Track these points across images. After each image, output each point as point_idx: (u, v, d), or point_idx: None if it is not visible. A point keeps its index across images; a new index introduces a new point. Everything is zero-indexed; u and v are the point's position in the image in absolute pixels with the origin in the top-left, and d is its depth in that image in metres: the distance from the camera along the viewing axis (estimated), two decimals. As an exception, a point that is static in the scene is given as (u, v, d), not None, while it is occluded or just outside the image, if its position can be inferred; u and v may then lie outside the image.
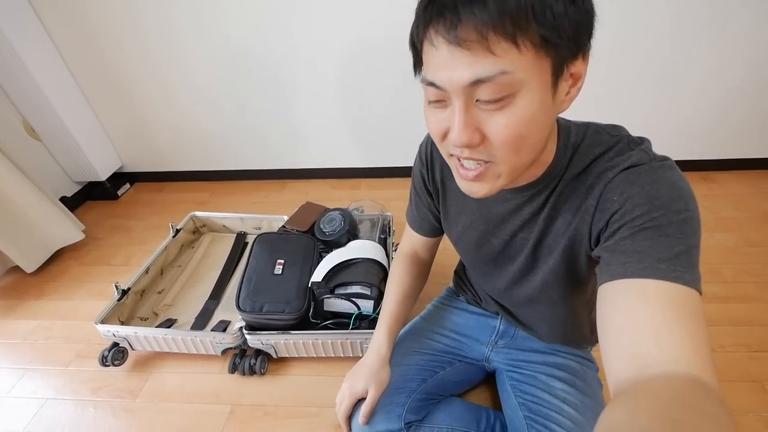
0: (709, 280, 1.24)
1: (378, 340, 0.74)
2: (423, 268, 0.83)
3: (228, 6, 1.41)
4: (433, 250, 0.83)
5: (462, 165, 0.46)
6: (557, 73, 0.39)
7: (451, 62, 0.38)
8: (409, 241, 0.82)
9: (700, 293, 0.39)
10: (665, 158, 0.46)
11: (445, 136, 0.44)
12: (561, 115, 0.50)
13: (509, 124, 0.39)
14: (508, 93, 0.38)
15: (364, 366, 0.72)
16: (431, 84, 0.41)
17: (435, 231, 0.77)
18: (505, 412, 0.77)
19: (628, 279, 0.40)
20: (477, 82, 0.37)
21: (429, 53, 0.40)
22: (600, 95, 1.54)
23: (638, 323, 0.37)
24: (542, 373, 0.74)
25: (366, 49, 1.48)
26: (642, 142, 0.48)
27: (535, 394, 0.72)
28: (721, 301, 1.17)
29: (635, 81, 1.50)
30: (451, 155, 0.46)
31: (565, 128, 0.51)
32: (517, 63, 0.36)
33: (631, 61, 1.46)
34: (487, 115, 0.40)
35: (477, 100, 0.39)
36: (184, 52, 1.53)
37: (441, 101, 0.42)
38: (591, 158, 0.49)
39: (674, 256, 0.39)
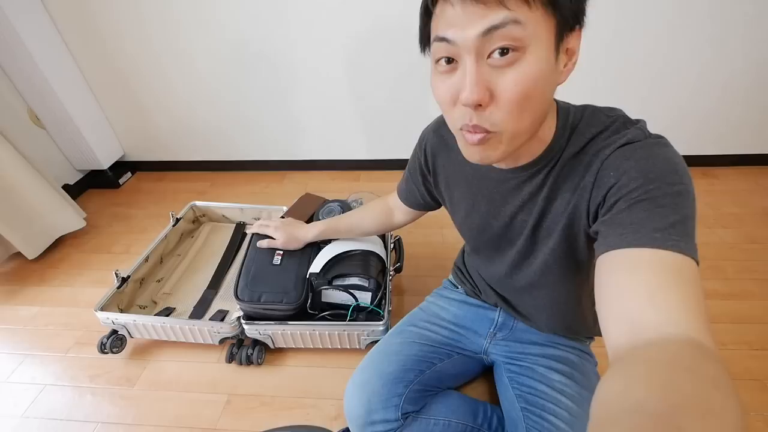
0: (710, 276, 1.23)
1: (316, 224, 1.00)
2: (388, 224, 0.91)
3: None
4: (407, 218, 0.88)
5: (467, 132, 0.47)
6: (559, 37, 0.41)
7: (465, 17, 0.39)
8: (392, 198, 0.89)
9: (697, 263, 0.39)
10: (660, 136, 0.47)
11: (454, 102, 0.45)
12: (561, 99, 0.53)
13: (519, 80, 0.40)
14: (519, 45, 0.39)
15: (290, 224, 1.04)
16: (443, 39, 0.42)
17: (415, 204, 0.82)
18: (503, 405, 0.77)
19: (624, 249, 0.40)
20: (490, 30, 0.39)
21: (443, 12, 0.41)
22: (598, 88, 1.52)
23: (634, 289, 0.38)
24: (540, 365, 0.74)
25: (366, 40, 1.46)
26: (638, 122, 0.49)
27: (532, 385, 0.72)
28: (721, 297, 1.16)
29: (634, 75, 1.49)
30: (461, 129, 0.47)
31: (564, 109, 0.52)
32: (528, 16, 0.38)
33: (629, 56, 1.44)
34: (497, 73, 0.41)
35: (489, 56, 0.40)
36: (185, 43, 1.52)
37: (450, 63, 0.43)
38: (588, 137, 0.49)
39: (669, 225, 0.40)
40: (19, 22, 1.36)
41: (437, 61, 0.45)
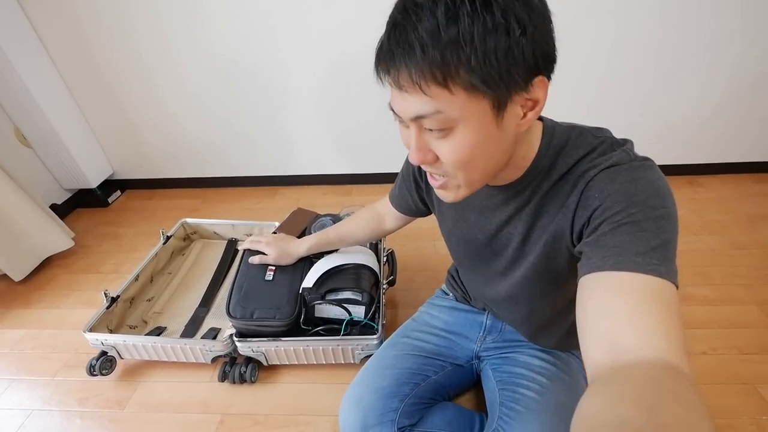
0: (698, 282, 1.25)
1: (307, 239, 1.01)
2: (379, 230, 0.92)
3: (217, 14, 1.42)
4: (398, 224, 0.89)
5: (431, 174, 0.52)
6: (499, 108, 0.41)
7: (400, 99, 0.43)
8: (382, 204, 0.90)
9: (677, 286, 0.40)
10: (645, 158, 0.48)
11: None
12: (548, 116, 0.54)
13: (453, 150, 0.44)
14: (446, 126, 0.42)
15: (282, 239, 1.05)
16: (392, 110, 0.46)
17: (407, 210, 0.83)
18: (487, 399, 0.79)
19: (606, 271, 0.42)
20: (418, 118, 0.43)
21: (387, 85, 0.45)
22: (584, 101, 1.56)
23: (614, 311, 0.38)
24: (524, 354, 0.77)
25: (355, 57, 1.49)
26: (624, 143, 0.50)
27: (512, 370, 0.75)
28: (710, 303, 1.18)
29: (621, 87, 1.53)
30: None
31: (549, 129, 0.53)
32: (450, 103, 0.40)
33: (615, 68, 1.48)
34: (436, 141, 0.45)
35: (428, 128, 0.44)
36: (174, 61, 1.54)
37: (404, 122, 0.47)
38: (575, 159, 0.50)
39: (651, 249, 0.41)
40: (4, 40, 1.36)
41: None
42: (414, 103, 0.41)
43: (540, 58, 0.40)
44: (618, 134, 0.53)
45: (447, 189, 0.51)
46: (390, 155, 1.74)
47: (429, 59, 0.37)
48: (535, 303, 0.67)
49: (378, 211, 0.91)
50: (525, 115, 0.44)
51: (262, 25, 1.44)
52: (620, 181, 0.45)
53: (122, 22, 1.45)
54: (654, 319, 0.37)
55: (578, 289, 0.44)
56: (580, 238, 0.49)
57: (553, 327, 0.72)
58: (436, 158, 0.46)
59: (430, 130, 0.43)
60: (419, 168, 0.72)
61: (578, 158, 0.50)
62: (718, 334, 1.09)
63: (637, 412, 0.29)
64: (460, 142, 0.43)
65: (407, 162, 0.77)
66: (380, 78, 0.44)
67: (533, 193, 0.55)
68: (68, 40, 1.49)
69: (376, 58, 0.43)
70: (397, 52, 0.39)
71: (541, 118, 0.54)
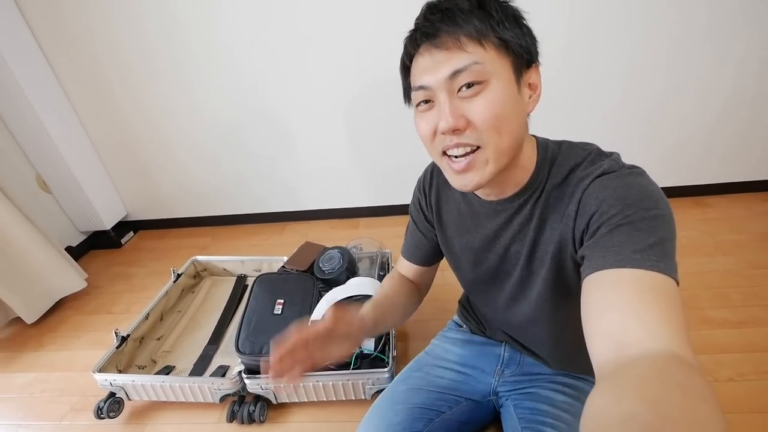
0: (718, 305, 1.21)
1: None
2: (411, 288, 0.79)
3: (222, 64, 1.52)
4: (424, 278, 0.81)
5: (452, 160, 0.52)
6: (517, 73, 0.49)
7: (435, 63, 0.48)
8: (401, 266, 0.82)
9: (677, 282, 0.41)
10: (634, 166, 0.51)
11: (434, 133, 0.51)
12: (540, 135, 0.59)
13: (488, 105, 0.47)
14: (482, 79, 0.47)
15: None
16: (420, 87, 0.50)
17: (427, 258, 0.77)
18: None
19: (606, 270, 0.43)
20: (456, 73, 0.47)
21: (417, 64, 0.51)
22: (585, 126, 1.59)
23: (616, 307, 0.39)
24: (546, 388, 0.74)
25: (360, 93, 1.56)
26: (611, 154, 0.54)
27: (534, 407, 0.71)
28: (732, 326, 1.14)
29: (623, 111, 1.56)
30: (443, 154, 0.53)
31: (543, 144, 0.57)
32: (485, 57, 0.47)
33: (617, 93, 1.52)
34: (468, 102, 0.48)
35: (458, 91, 0.48)
36: (183, 110, 1.63)
37: (428, 102, 0.51)
38: (568, 169, 0.54)
39: (648, 246, 0.42)
40: (33, 95, 1.46)
41: (417, 105, 0.53)
42: (452, 59, 0.47)
43: (534, 51, 0.51)
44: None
45: (474, 168, 0.51)
46: (397, 187, 1.77)
47: (467, 23, 0.46)
48: (556, 321, 0.65)
49: (396, 273, 0.82)
50: (530, 96, 0.52)
51: (269, 65, 1.52)
52: (613, 186, 0.47)
53: (136, 81, 1.56)
54: (657, 312, 0.37)
55: (582, 289, 0.45)
56: (581, 244, 0.50)
57: (576, 348, 0.69)
58: (467, 124, 0.48)
59: (467, 87, 0.47)
60: (426, 197, 0.71)
61: (570, 168, 0.53)
62: (744, 358, 1.04)
63: (644, 406, 0.29)
64: (494, 97, 0.47)
65: (413, 206, 0.76)
66: (412, 53, 0.51)
67: (534, 207, 0.56)
68: (90, 94, 1.60)
69: (410, 37, 0.52)
70: (435, 19, 0.48)
71: (534, 136, 0.58)
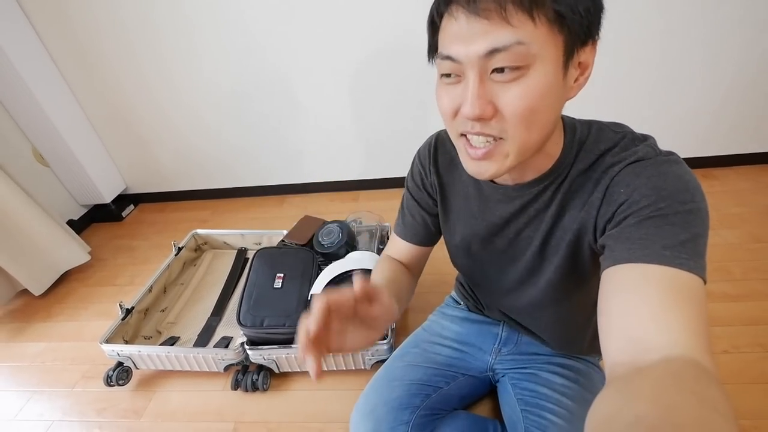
0: (718, 278, 1.21)
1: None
2: (409, 274, 0.73)
3: (220, 32, 1.45)
4: (421, 261, 0.75)
5: (470, 144, 0.46)
6: (568, 54, 0.40)
7: (469, 33, 0.39)
8: (394, 248, 0.74)
9: (705, 281, 0.39)
10: (671, 153, 0.46)
11: (456, 113, 0.44)
12: (564, 113, 0.51)
13: (524, 96, 0.40)
14: (523, 64, 0.39)
15: None
16: (447, 57, 0.42)
17: (429, 237, 0.71)
18: (505, 413, 0.76)
19: (631, 264, 0.40)
20: (493, 52, 0.38)
21: (447, 26, 0.41)
22: (597, 96, 1.53)
23: (638, 307, 0.37)
24: (544, 370, 0.74)
25: (361, 63, 1.50)
26: (646, 138, 0.49)
27: (533, 389, 0.71)
28: (731, 300, 1.14)
29: (630, 81, 1.50)
30: (461, 135, 0.46)
31: (570, 125, 0.52)
32: (533, 35, 0.38)
33: (623, 61, 1.46)
34: (501, 88, 0.40)
35: (492, 72, 0.40)
36: (181, 76, 1.57)
37: (455, 76, 0.43)
38: (597, 154, 0.49)
39: (679, 243, 0.39)
40: (23, 69, 1.42)
41: (441, 75, 0.45)
42: (490, 32, 0.38)
43: (596, 25, 0.41)
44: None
45: (492, 158, 0.45)
46: (396, 159, 1.74)
47: None
48: (562, 307, 0.64)
49: (389, 255, 0.74)
50: (577, 79, 0.44)
51: (269, 32, 1.46)
52: (647, 175, 0.43)
53: (130, 46, 1.50)
54: (679, 316, 0.35)
55: (601, 281, 0.43)
56: (603, 233, 0.47)
57: (580, 331, 0.69)
58: (494, 113, 0.41)
59: (501, 71, 0.39)
60: (428, 170, 0.65)
61: (599, 153, 0.48)
62: (740, 331, 1.05)
63: (654, 410, 0.27)
64: (533, 85, 0.39)
65: (411, 181, 0.69)
66: (442, 11, 0.41)
67: (555, 193, 0.52)
68: (81, 64, 1.55)
69: None
70: None
71: (561, 117, 0.52)
